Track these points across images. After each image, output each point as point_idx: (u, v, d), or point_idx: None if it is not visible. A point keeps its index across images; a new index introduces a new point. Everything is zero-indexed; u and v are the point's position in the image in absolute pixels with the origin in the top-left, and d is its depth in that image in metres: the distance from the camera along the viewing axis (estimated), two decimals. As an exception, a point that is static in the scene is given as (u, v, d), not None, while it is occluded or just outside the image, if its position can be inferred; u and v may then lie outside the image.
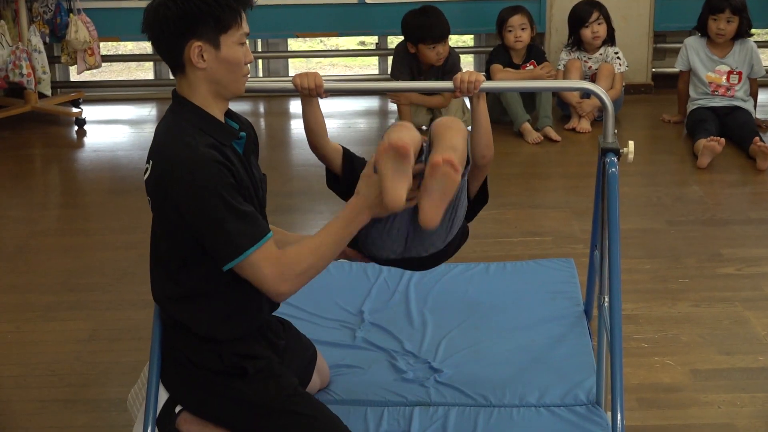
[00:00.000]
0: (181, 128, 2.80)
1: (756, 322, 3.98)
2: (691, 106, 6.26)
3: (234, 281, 2.83)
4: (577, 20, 6.50)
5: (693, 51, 6.27)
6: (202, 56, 2.76)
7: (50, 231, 5.17)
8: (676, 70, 6.46)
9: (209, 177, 2.71)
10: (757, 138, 5.67)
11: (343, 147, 3.14)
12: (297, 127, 6.71)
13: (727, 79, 6.18)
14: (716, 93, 6.17)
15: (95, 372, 3.71)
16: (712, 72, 6.21)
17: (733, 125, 6.00)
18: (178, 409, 3.02)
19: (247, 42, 2.87)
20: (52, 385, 3.65)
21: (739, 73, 6.18)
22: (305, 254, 2.79)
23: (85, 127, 6.65)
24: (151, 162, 2.81)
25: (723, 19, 6.12)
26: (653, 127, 6.58)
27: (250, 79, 2.96)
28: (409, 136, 2.87)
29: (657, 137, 6.38)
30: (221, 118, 2.88)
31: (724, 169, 5.68)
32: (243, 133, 2.91)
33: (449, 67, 6.18)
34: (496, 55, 6.56)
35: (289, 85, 3.10)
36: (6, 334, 4.02)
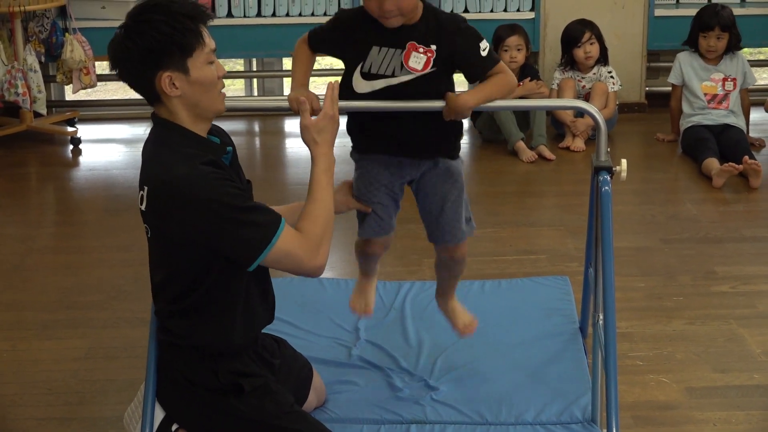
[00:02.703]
0: (172, 150, 2.79)
1: (751, 340, 3.98)
2: (685, 124, 6.28)
3: (235, 294, 2.86)
4: (569, 40, 6.53)
5: (686, 64, 6.32)
6: (174, 84, 2.76)
7: (46, 249, 5.16)
8: (670, 88, 6.49)
9: (212, 188, 2.71)
10: (746, 157, 5.68)
11: None
12: (292, 146, 6.72)
13: (723, 85, 6.21)
14: (711, 103, 6.19)
15: (92, 390, 3.70)
16: (707, 81, 6.24)
17: (727, 143, 6.02)
18: (174, 427, 3.03)
19: (216, 58, 2.86)
20: (48, 403, 3.64)
21: (734, 80, 6.24)
22: (317, 220, 2.86)
23: (81, 146, 6.66)
24: (146, 188, 2.80)
25: (713, 37, 6.18)
26: (647, 146, 6.61)
27: (244, 98, 2.98)
28: (371, 298, 3.48)
29: (651, 155, 6.40)
30: (204, 135, 2.89)
31: (717, 188, 5.70)
32: (229, 148, 2.93)
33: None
34: (490, 73, 6.56)
35: (284, 104, 3.12)
36: (2, 352, 4.01)
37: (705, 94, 6.23)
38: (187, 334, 2.92)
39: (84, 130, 6.84)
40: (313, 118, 2.97)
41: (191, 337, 2.92)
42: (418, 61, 3.01)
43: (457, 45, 3.03)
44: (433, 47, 3.00)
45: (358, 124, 3.24)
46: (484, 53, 3.05)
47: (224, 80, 2.92)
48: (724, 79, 6.23)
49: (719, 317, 4.18)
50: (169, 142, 2.82)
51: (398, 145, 3.18)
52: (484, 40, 3.03)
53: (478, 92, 3.10)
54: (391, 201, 3.25)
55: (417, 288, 4.22)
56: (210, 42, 2.80)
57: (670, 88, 6.51)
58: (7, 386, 3.76)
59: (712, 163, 5.78)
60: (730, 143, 6.02)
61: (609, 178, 3.08)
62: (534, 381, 3.53)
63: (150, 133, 2.88)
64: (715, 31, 6.16)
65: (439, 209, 3.23)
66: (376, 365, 3.63)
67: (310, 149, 2.97)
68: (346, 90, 3.08)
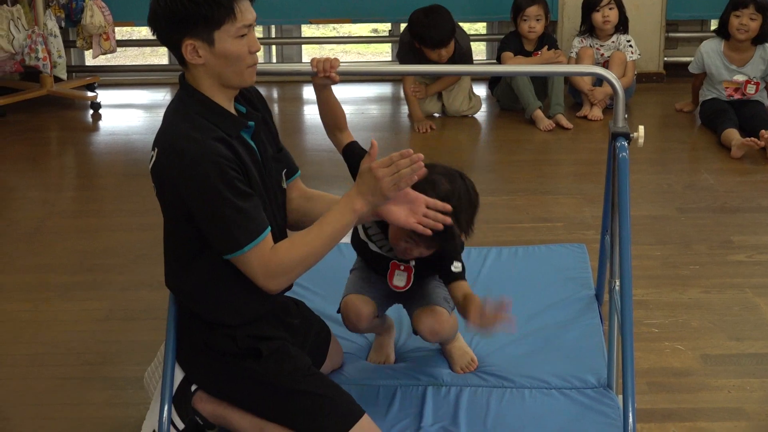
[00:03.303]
0: (189, 119, 2.79)
1: (766, 309, 3.99)
2: (704, 96, 6.25)
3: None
4: (588, 4, 6.51)
5: (709, 58, 6.21)
6: (197, 53, 2.74)
7: (66, 212, 5.21)
8: (688, 59, 6.45)
9: (211, 171, 2.70)
10: (764, 131, 5.65)
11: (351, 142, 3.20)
12: (310, 112, 6.73)
13: (745, 88, 6.13)
14: (731, 97, 6.14)
15: (112, 350, 3.74)
16: (729, 79, 6.17)
17: (746, 116, 5.99)
18: (193, 387, 3.05)
19: (255, 29, 2.81)
20: (69, 363, 3.68)
21: (757, 84, 6.14)
22: (297, 251, 2.78)
23: (100, 110, 6.68)
24: (156, 149, 2.80)
25: (747, 15, 6.04)
26: (664, 116, 6.60)
27: (263, 64, 2.96)
28: (390, 353, 3.48)
29: (668, 125, 6.40)
30: (229, 106, 2.86)
31: (735, 158, 5.69)
32: (251, 122, 2.89)
33: (458, 57, 6.18)
34: (508, 42, 6.57)
35: (302, 68, 3.13)
36: (24, 312, 4.06)
37: (726, 88, 6.17)
38: (204, 310, 2.94)
39: (104, 95, 6.87)
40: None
41: (208, 312, 2.94)
42: (401, 278, 3.19)
43: (433, 259, 3.15)
44: (412, 263, 3.18)
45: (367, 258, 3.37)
46: (454, 270, 3.16)
47: None
48: (747, 82, 6.14)
49: (735, 286, 4.19)
50: (187, 109, 2.82)
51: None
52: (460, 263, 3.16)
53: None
54: (385, 300, 3.35)
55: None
56: (245, 17, 2.73)
57: (687, 59, 6.47)
58: (29, 346, 3.81)
59: (732, 134, 5.76)
60: (749, 116, 5.99)
61: (626, 144, 3.07)
62: (550, 347, 3.53)
63: (175, 95, 2.88)
64: (749, 9, 6.04)
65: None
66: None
67: (356, 197, 2.80)
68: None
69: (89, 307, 4.09)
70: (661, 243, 4.60)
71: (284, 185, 3.06)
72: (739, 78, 6.14)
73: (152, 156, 2.82)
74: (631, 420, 2.80)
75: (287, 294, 3.17)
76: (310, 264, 2.83)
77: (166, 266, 2.97)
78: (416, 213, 2.85)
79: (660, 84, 7.13)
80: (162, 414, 2.94)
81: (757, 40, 6.15)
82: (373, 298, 3.28)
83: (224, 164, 2.72)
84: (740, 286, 4.18)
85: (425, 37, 6.11)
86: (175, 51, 2.79)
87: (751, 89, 6.14)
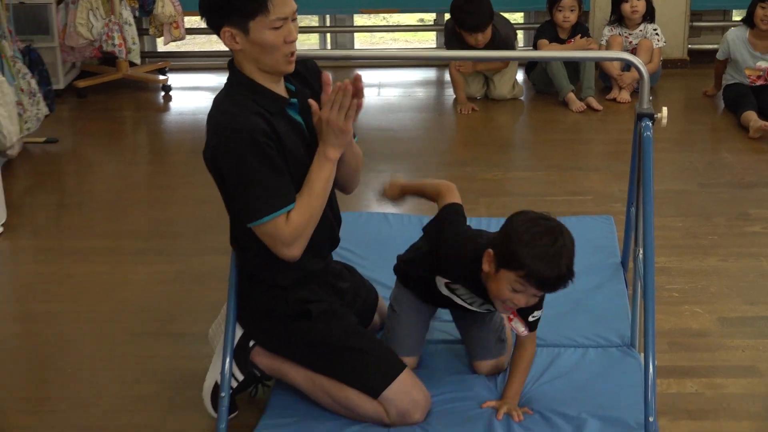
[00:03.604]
0: (231, 97, 2.81)
1: (779, 276, 3.98)
2: (727, 80, 6.18)
3: None
4: None
5: (734, 45, 6.09)
6: (235, 39, 2.74)
7: (140, 185, 5.26)
8: (710, 46, 6.37)
9: (243, 142, 2.71)
10: None
11: None
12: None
13: (766, 74, 6.01)
14: (754, 84, 6.05)
15: (180, 309, 3.79)
16: (752, 66, 6.07)
17: (767, 100, 5.91)
18: (251, 343, 3.09)
19: (295, 20, 2.76)
20: (141, 320, 3.74)
21: None
22: (302, 215, 2.79)
23: (171, 92, 6.72)
24: (206, 125, 2.84)
25: None
26: (688, 99, 6.53)
27: (317, 50, 2.95)
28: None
29: (691, 108, 6.33)
30: (272, 85, 2.83)
31: (753, 139, 5.64)
32: (294, 100, 2.88)
33: (498, 42, 6.15)
34: (544, 30, 6.54)
35: (353, 53, 3.09)
36: (102, 274, 4.12)
37: (749, 76, 6.08)
38: (259, 269, 2.97)
39: (174, 79, 6.89)
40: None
41: (263, 272, 2.97)
42: (518, 324, 2.96)
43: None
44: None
45: (423, 291, 3.16)
46: (531, 319, 2.97)
47: (300, 35, 2.83)
48: None
49: (751, 255, 4.16)
50: (231, 90, 2.84)
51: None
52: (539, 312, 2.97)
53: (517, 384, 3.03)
54: (424, 326, 3.23)
55: (474, 223, 4.23)
56: (279, 11, 2.69)
57: (710, 46, 6.40)
58: (105, 304, 3.87)
59: (751, 116, 5.70)
60: None
61: (651, 124, 3.07)
62: (579, 309, 3.54)
63: (226, 80, 2.90)
64: None
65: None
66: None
67: (324, 148, 2.83)
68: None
69: (160, 270, 4.14)
70: (683, 215, 4.57)
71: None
72: (762, 64, 6.05)
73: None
74: (651, 374, 2.81)
75: (340, 261, 3.20)
76: (315, 222, 2.84)
77: (231, 227, 3.00)
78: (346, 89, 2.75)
79: (684, 70, 7.05)
80: (224, 366, 2.99)
81: None
82: (420, 333, 3.21)
83: (258, 137, 2.71)
84: (756, 255, 4.15)
85: (463, 21, 6.09)
86: (219, 37, 2.80)
87: None
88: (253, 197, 2.75)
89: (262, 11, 2.70)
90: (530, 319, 2.95)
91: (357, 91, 2.75)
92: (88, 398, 3.28)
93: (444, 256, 2.94)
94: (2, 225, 4.53)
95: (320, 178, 2.83)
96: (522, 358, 3.01)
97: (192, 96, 6.81)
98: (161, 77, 6.84)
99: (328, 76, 2.85)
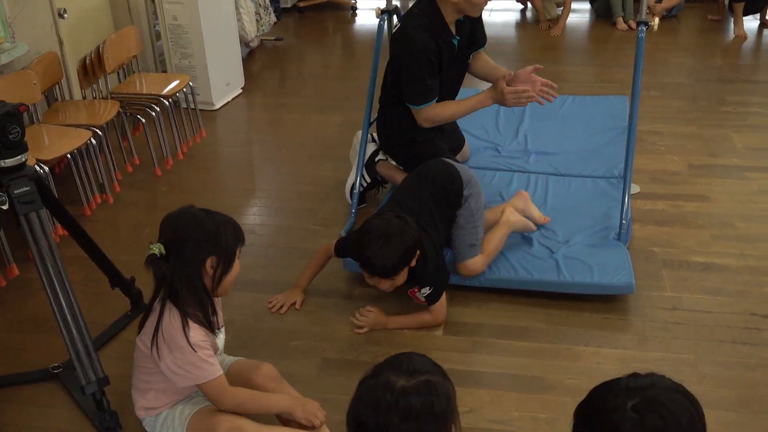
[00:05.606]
0: (416, 20, 2.68)
1: (736, 138, 3.66)
2: None
3: None
4: None
5: None
6: None
7: (334, 67, 5.18)
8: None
9: (418, 52, 2.63)
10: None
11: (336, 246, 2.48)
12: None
13: None
14: None
15: (339, 142, 3.74)
16: None
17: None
18: (377, 158, 3.05)
19: None
20: (315, 148, 3.72)
21: None
22: (447, 111, 2.71)
23: (357, 11, 6.56)
24: (394, 37, 2.74)
25: None
26: (701, 25, 5.93)
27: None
28: None
29: (702, 30, 5.75)
30: (450, 20, 2.70)
31: (740, 38, 5.10)
32: (454, 40, 2.73)
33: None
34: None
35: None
36: (297, 120, 4.08)
37: None
38: (397, 122, 2.90)
39: (361, 2, 6.72)
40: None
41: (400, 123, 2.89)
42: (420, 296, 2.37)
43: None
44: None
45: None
46: (420, 295, 2.35)
47: None
48: None
49: (720, 125, 3.85)
50: (420, 15, 2.71)
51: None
52: (432, 288, 2.31)
53: (401, 319, 2.39)
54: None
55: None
56: None
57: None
58: (295, 137, 3.84)
59: (738, 12, 5.17)
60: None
61: (644, 29, 2.80)
62: (592, 154, 3.37)
63: (416, 2, 2.76)
64: None
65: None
66: (488, 140, 3.52)
67: (490, 100, 2.67)
68: None
69: (332, 119, 4.10)
70: (680, 99, 4.22)
71: (468, 61, 2.92)
72: None
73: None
74: (627, 192, 2.67)
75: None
76: (449, 120, 2.78)
77: (384, 92, 2.92)
78: (534, 89, 2.62)
79: (703, 3, 6.40)
80: (358, 173, 2.98)
81: None
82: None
83: (428, 50, 2.64)
84: (723, 126, 3.83)
85: None
86: None
87: None
88: (417, 90, 2.69)
89: None
90: (420, 296, 2.35)
91: (542, 93, 2.60)
92: (286, 185, 3.35)
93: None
94: (242, 88, 4.57)
95: (470, 102, 2.73)
96: (420, 315, 2.39)
97: (370, 14, 6.63)
98: (352, 1, 6.65)
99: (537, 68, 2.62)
